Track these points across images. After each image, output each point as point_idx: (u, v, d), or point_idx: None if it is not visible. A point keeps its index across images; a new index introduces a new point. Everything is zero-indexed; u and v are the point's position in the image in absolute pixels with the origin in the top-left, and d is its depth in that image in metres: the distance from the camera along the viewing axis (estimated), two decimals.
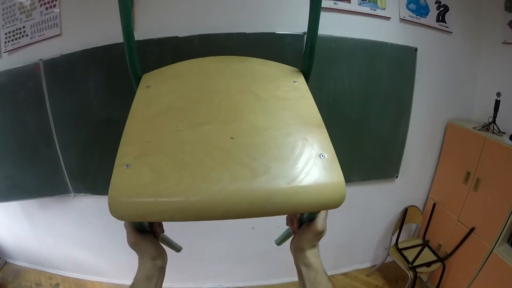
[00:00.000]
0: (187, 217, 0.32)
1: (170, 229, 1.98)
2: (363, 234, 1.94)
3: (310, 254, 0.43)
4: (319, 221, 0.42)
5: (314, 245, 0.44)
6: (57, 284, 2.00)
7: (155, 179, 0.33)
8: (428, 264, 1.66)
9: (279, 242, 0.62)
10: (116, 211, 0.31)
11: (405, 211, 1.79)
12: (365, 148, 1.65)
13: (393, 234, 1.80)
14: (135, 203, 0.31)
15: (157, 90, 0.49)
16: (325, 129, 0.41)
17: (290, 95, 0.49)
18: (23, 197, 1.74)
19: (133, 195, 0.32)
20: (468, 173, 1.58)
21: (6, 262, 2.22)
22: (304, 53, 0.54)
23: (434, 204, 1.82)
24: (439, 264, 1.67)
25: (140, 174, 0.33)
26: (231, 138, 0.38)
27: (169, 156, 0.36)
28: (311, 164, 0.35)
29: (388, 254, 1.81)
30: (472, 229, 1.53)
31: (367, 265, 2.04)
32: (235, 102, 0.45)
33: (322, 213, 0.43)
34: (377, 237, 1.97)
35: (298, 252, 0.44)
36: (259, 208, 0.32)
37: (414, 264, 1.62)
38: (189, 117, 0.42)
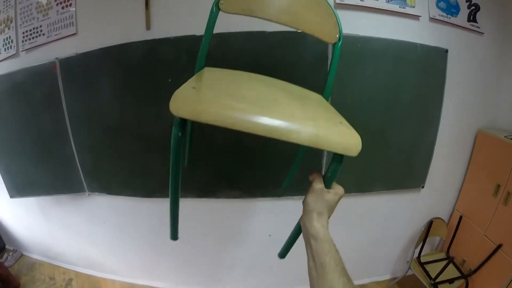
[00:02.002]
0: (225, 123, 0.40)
1: (189, 232, 1.94)
2: (385, 245, 1.86)
3: (319, 222, 0.45)
4: (335, 188, 0.49)
5: (322, 212, 0.46)
6: (70, 279, 2.04)
7: (210, 99, 0.45)
8: (450, 281, 1.57)
9: (282, 254, 0.66)
10: (174, 104, 0.40)
11: (430, 223, 1.69)
12: (390, 156, 1.56)
13: (416, 247, 1.71)
14: (192, 102, 0.42)
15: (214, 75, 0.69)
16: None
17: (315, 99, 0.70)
18: (39, 193, 1.77)
19: (191, 100, 0.43)
20: (498, 186, 1.48)
21: (22, 254, 2.29)
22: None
23: (461, 217, 1.72)
24: (462, 281, 1.58)
25: (200, 93, 0.47)
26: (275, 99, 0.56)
27: (226, 93, 0.52)
28: (335, 124, 0.50)
29: (409, 268, 1.72)
30: (499, 246, 1.44)
31: (387, 277, 1.96)
32: (276, 95, 0.62)
33: (337, 187, 0.49)
34: (399, 249, 1.89)
35: (306, 220, 0.46)
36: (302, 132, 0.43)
37: (436, 280, 1.53)
38: (240, 90, 0.58)
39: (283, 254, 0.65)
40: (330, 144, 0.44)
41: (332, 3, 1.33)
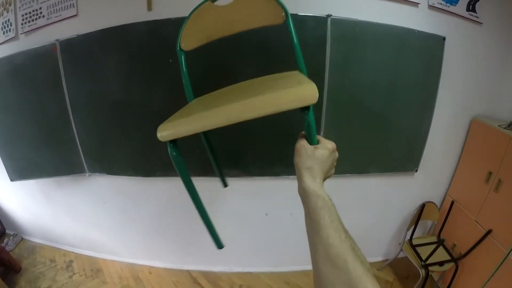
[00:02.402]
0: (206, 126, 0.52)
1: (187, 212, 1.96)
2: (378, 227, 1.90)
3: (309, 179, 0.43)
4: (322, 143, 0.48)
5: (311, 167, 0.45)
6: (71, 261, 2.07)
7: (179, 122, 0.55)
8: (441, 263, 1.62)
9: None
10: (159, 134, 0.53)
11: (422, 207, 1.74)
12: (386, 140, 1.60)
13: (408, 230, 1.76)
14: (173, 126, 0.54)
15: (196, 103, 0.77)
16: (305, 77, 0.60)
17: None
18: (40, 175, 1.79)
19: (168, 128, 0.54)
20: (490, 173, 1.51)
21: (22, 238, 2.32)
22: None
23: (452, 202, 1.76)
24: (452, 264, 1.62)
25: (174, 121, 0.56)
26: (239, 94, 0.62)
27: (192, 112, 0.59)
28: (292, 85, 0.52)
29: (401, 250, 1.77)
30: (489, 231, 1.48)
31: (379, 259, 2.02)
32: (243, 90, 0.68)
33: (325, 142, 0.48)
34: (392, 231, 1.94)
35: (298, 179, 0.45)
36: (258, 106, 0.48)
37: (427, 262, 1.58)
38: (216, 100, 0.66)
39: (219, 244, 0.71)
40: (286, 103, 0.46)
41: None
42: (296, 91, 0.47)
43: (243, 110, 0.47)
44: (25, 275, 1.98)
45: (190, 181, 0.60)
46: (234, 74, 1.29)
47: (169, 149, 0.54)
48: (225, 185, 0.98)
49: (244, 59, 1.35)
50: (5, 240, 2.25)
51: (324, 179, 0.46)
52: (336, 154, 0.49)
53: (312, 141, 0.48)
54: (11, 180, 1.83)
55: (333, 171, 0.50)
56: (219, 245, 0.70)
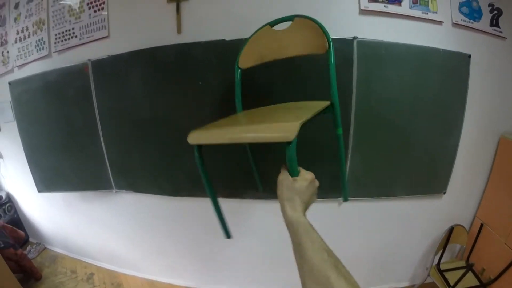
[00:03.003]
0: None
1: (210, 232, 1.95)
2: (403, 250, 1.83)
3: (290, 208, 0.48)
4: (302, 174, 0.52)
5: (290, 198, 0.49)
6: (92, 274, 2.09)
7: (207, 132, 0.66)
8: None
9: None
10: (189, 138, 0.62)
11: (450, 230, 1.67)
12: (412, 160, 1.55)
13: (435, 254, 1.68)
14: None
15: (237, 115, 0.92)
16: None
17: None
18: (66, 189, 1.84)
19: (197, 135, 0.64)
20: None
21: (45, 247, 2.38)
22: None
23: (482, 225, 1.69)
24: None
25: (205, 130, 0.66)
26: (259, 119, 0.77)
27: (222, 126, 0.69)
28: (287, 121, 0.57)
29: (428, 275, 1.69)
30: None
31: (405, 284, 1.92)
32: (266, 115, 0.80)
33: (304, 173, 0.52)
34: (418, 255, 1.85)
35: (281, 209, 0.49)
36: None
37: None
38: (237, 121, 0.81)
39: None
40: (266, 136, 0.54)
41: (356, 9, 1.36)
42: (275, 127, 0.55)
43: (239, 134, 0.58)
44: (45, 283, 2.01)
45: (210, 183, 0.71)
46: (274, 95, 1.35)
47: (195, 152, 0.65)
48: (261, 188, 1.11)
49: (286, 84, 1.37)
50: (28, 248, 2.31)
51: (306, 207, 0.50)
52: (316, 183, 0.54)
53: (292, 173, 0.51)
54: (39, 191, 1.90)
55: (314, 197, 0.54)
56: (228, 235, 0.77)
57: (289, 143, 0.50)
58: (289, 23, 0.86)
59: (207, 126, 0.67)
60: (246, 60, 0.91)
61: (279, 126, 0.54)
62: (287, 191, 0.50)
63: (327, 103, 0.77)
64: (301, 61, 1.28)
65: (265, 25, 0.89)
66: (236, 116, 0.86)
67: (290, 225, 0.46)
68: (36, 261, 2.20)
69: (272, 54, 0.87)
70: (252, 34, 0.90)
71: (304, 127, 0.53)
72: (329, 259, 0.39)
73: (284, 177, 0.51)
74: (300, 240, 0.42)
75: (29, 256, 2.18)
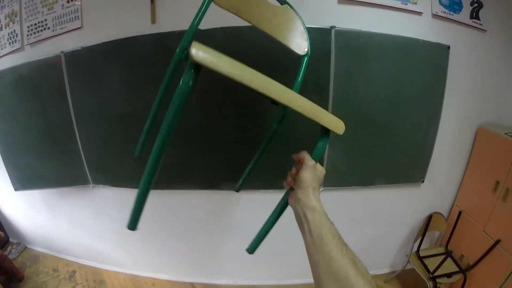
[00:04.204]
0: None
1: (191, 224, 1.95)
2: (384, 238, 1.87)
3: (314, 197, 0.46)
4: (319, 166, 0.52)
5: (315, 187, 0.47)
6: (74, 271, 2.06)
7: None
8: (449, 275, 1.59)
9: (252, 249, 0.68)
10: (196, 48, 0.38)
11: (429, 218, 1.71)
12: (392, 151, 1.58)
13: (415, 241, 1.73)
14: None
15: None
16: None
17: None
18: (43, 186, 1.79)
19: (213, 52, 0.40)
20: (498, 182, 1.49)
21: (25, 247, 2.32)
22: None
23: (460, 212, 1.73)
24: (460, 275, 1.60)
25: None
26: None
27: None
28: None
29: (408, 262, 1.74)
30: (497, 241, 1.46)
31: (386, 271, 1.98)
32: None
33: (319, 165, 0.52)
34: (398, 242, 1.91)
35: (302, 196, 0.46)
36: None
37: (434, 274, 1.55)
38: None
39: (253, 249, 0.68)
40: (325, 120, 0.51)
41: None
42: (331, 117, 0.53)
43: (293, 99, 0.46)
44: (28, 284, 1.97)
45: (174, 126, 0.48)
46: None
47: (186, 73, 0.41)
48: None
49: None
50: (9, 249, 2.25)
51: None
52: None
53: (317, 161, 0.52)
54: (15, 189, 1.83)
55: None
56: (132, 227, 0.54)
57: (327, 135, 0.52)
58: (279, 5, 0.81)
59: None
60: None
61: (334, 117, 0.53)
62: (315, 178, 0.48)
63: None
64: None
65: None
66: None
67: (311, 212, 0.43)
68: (18, 261, 2.15)
69: (249, 15, 0.77)
70: None
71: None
72: (347, 254, 0.38)
73: (314, 164, 0.49)
74: (321, 232, 0.41)
75: (10, 256, 2.12)
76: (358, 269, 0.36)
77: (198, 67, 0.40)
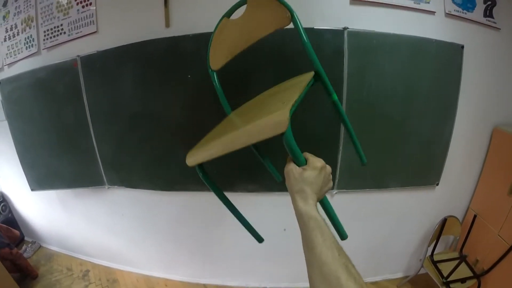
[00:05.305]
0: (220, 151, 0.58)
1: (204, 226, 1.95)
2: (397, 242, 1.84)
3: (302, 199, 0.45)
4: (308, 164, 0.48)
5: (301, 189, 0.46)
6: (87, 271, 2.10)
7: (201, 150, 0.63)
8: (463, 280, 1.54)
9: (342, 236, 0.63)
10: (188, 160, 0.62)
11: (443, 221, 1.67)
12: (405, 152, 1.55)
13: (429, 245, 1.69)
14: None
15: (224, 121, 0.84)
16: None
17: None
18: (59, 186, 1.83)
19: (193, 155, 0.63)
20: None
21: (40, 246, 2.38)
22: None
23: (475, 216, 1.69)
24: (474, 280, 1.55)
25: (197, 149, 0.64)
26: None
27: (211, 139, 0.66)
28: (272, 111, 0.51)
29: (422, 266, 1.70)
30: None
31: (399, 275, 1.94)
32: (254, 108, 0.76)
33: (313, 161, 0.48)
34: (412, 246, 1.87)
35: (292, 201, 0.46)
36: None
37: (448, 279, 1.51)
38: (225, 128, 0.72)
39: (342, 235, 0.64)
40: (260, 135, 0.48)
41: None
42: (266, 123, 0.48)
43: (235, 141, 0.54)
44: (42, 282, 2.01)
45: (222, 193, 0.70)
46: (255, 83, 1.32)
47: (197, 172, 0.64)
48: (278, 179, 1.04)
49: (261, 69, 1.35)
50: (24, 247, 2.31)
51: (319, 198, 0.48)
52: (328, 169, 0.50)
53: (299, 163, 0.48)
54: (32, 189, 1.88)
55: (330, 184, 0.51)
56: (259, 240, 0.80)
57: (282, 133, 0.46)
58: (245, 7, 0.79)
59: (201, 142, 0.64)
60: (217, 60, 0.84)
61: (269, 120, 0.48)
62: (295, 182, 0.46)
63: (311, 74, 0.71)
64: (274, 41, 1.27)
65: (221, 18, 0.83)
66: (228, 119, 0.81)
67: (301, 219, 0.43)
68: (32, 259, 2.21)
69: (239, 45, 0.81)
70: (212, 33, 0.84)
71: (298, 108, 0.50)
72: (340, 258, 0.37)
73: (290, 168, 0.47)
74: (311, 236, 0.40)
75: (25, 255, 2.18)
76: (351, 274, 0.35)
77: (200, 165, 0.62)
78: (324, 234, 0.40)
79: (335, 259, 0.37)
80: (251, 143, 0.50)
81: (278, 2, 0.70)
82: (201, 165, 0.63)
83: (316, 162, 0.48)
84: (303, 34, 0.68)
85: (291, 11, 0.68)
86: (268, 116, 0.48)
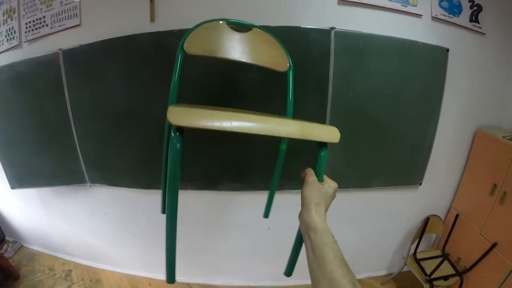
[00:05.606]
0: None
1: (187, 224, 1.94)
2: (381, 240, 1.87)
3: (317, 214, 0.45)
4: (329, 180, 0.51)
5: (319, 202, 0.47)
6: (70, 270, 2.05)
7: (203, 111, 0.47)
8: (445, 278, 1.59)
9: (288, 271, 0.67)
10: (173, 116, 0.42)
11: (426, 220, 1.71)
12: (390, 152, 1.58)
13: (412, 243, 1.73)
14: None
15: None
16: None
17: None
18: (40, 184, 1.78)
19: (188, 113, 0.45)
20: (495, 185, 1.50)
21: (21, 245, 2.31)
22: None
23: (457, 215, 1.74)
24: (457, 278, 1.60)
25: (193, 109, 0.47)
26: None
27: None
28: (314, 123, 0.54)
29: (405, 264, 1.74)
30: (494, 245, 1.47)
31: (383, 273, 1.98)
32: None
33: (330, 181, 0.51)
34: (395, 245, 1.91)
35: (305, 213, 0.46)
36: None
37: (431, 277, 1.55)
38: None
39: (289, 271, 0.66)
40: (317, 134, 0.51)
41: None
42: (322, 130, 0.52)
43: (277, 128, 0.49)
44: (24, 283, 1.95)
45: (176, 188, 0.53)
46: (229, 99, 1.31)
47: (173, 138, 0.46)
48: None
49: (242, 89, 1.34)
50: (4, 247, 2.23)
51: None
52: (336, 194, 0.52)
53: (320, 178, 0.50)
54: (12, 187, 1.82)
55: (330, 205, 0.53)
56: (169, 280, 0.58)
57: (324, 145, 0.50)
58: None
59: (191, 105, 0.53)
60: (194, 46, 0.79)
61: (328, 128, 0.51)
62: (318, 193, 0.48)
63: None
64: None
65: (221, 19, 0.81)
66: (224, 109, 0.78)
67: (314, 232, 0.43)
68: (14, 260, 2.14)
69: (224, 51, 0.80)
70: (205, 22, 0.81)
71: None
72: (347, 275, 0.38)
73: (314, 179, 0.49)
74: (323, 252, 0.40)
75: (6, 255, 2.11)
76: None
77: (181, 128, 0.45)
78: (335, 251, 0.41)
79: (344, 276, 0.38)
80: (292, 137, 0.49)
81: (284, 50, 0.74)
82: (181, 131, 0.46)
83: (332, 183, 0.51)
84: (291, 88, 0.73)
85: (290, 64, 0.73)
86: (324, 125, 0.54)
